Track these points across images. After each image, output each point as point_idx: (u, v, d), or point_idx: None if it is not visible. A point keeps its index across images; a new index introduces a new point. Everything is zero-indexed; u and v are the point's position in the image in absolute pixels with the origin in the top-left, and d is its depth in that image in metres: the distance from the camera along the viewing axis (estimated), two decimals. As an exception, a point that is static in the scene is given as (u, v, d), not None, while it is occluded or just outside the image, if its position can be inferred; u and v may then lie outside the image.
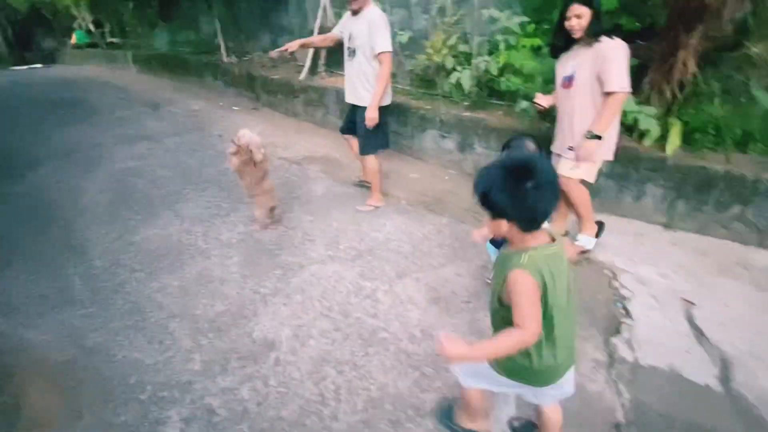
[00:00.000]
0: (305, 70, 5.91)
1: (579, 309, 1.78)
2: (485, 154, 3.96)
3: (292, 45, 3.28)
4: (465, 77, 3.72)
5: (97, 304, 2.40)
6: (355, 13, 3.09)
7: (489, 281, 2.38)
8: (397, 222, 3.24)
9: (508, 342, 1.15)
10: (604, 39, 2.31)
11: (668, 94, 3.08)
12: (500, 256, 1.27)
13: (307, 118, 5.72)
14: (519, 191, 1.10)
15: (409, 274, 2.66)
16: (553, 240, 1.21)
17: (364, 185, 3.79)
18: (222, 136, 5.06)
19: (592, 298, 2.41)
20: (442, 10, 4.52)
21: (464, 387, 1.52)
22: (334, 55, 6.22)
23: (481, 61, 3.74)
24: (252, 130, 3.01)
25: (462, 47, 4.25)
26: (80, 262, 2.75)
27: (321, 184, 3.91)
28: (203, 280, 2.58)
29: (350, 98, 3.36)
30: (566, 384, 1.35)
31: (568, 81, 2.46)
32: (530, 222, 1.15)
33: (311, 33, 5.88)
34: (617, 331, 2.19)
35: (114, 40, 10.55)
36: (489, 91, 4.18)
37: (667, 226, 3.11)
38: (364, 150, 3.41)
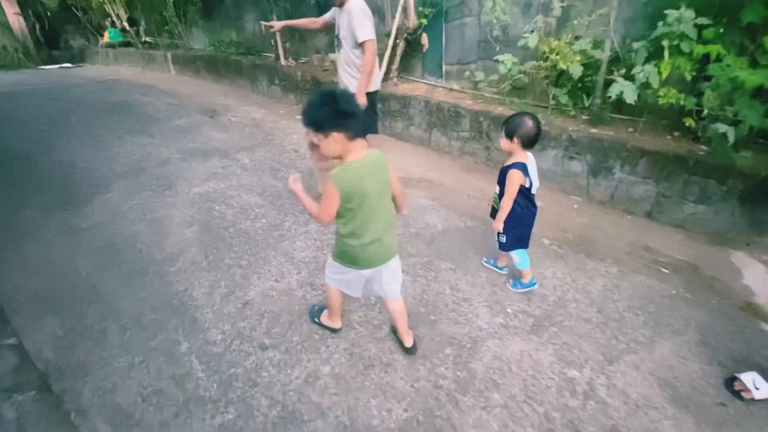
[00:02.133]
0: (380, 74, 5.23)
1: None
2: (629, 181, 3.28)
3: (277, 24, 3.61)
4: (629, 90, 3.02)
5: (235, 406, 1.76)
6: (340, 5, 3.16)
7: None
8: (558, 272, 2.58)
9: (313, 213, 1.64)
10: None
11: None
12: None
13: (385, 131, 5.05)
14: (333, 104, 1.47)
15: (620, 357, 2.00)
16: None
17: None
18: (298, 152, 4.41)
19: None
20: (567, 9, 3.82)
21: (328, 285, 1.96)
22: (411, 60, 5.55)
23: (640, 72, 3.03)
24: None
25: (591, 52, 3.56)
26: (192, 333, 2.11)
27: (436, 215, 3.25)
28: (358, 364, 1.94)
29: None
30: (390, 279, 1.85)
31: None
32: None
33: (387, 35, 5.20)
34: None
35: (148, 39, 9.88)
36: (611, 105, 3.50)
37: None
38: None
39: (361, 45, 3.15)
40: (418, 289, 2.42)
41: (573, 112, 3.88)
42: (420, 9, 4.98)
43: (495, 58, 4.23)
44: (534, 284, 2.43)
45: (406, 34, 5.19)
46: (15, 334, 2.11)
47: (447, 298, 2.37)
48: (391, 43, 5.17)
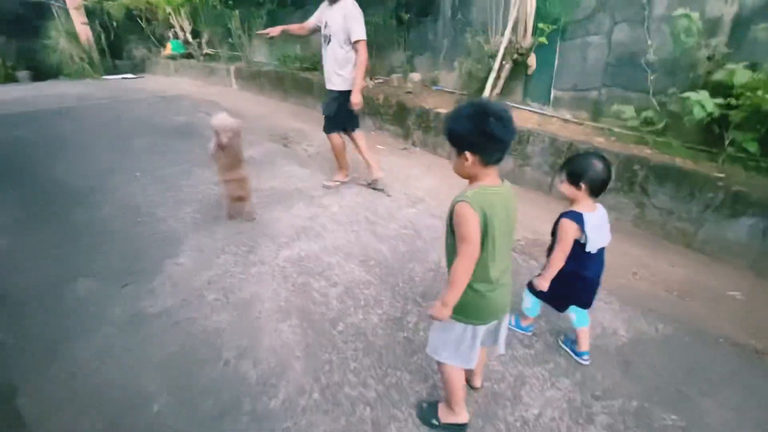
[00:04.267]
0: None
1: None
2: None
3: (275, 30, 3.56)
4: None
5: None
6: (331, 2, 3.25)
7: None
8: None
9: (460, 268, 1.26)
10: None
11: None
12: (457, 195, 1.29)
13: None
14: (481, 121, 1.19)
15: None
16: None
17: (376, 188, 3.73)
18: (392, 198, 3.57)
19: None
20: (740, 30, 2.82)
21: (442, 366, 1.52)
22: (509, 83, 4.63)
23: None
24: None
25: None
26: None
27: (610, 313, 2.31)
28: None
29: (328, 84, 3.49)
30: (505, 330, 1.52)
31: None
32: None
33: (491, 56, 4.30)
34: None
35: (209, 51, 9.46)
36: None
37: None
38: (328, 129, 3.61)
39: (353, 43, 3.21)
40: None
41: (764, 164, 2.86)
42: (540, 25, 4.05)
43: (678, 93, 3.19)
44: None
45: (516, 54, 4.29)
46: None
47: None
48: (497, 65, 4.27)
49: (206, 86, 8.41)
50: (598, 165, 1.68)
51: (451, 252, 1.34)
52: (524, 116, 4.28)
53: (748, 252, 2.71)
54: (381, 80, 5.73)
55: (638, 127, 3.46)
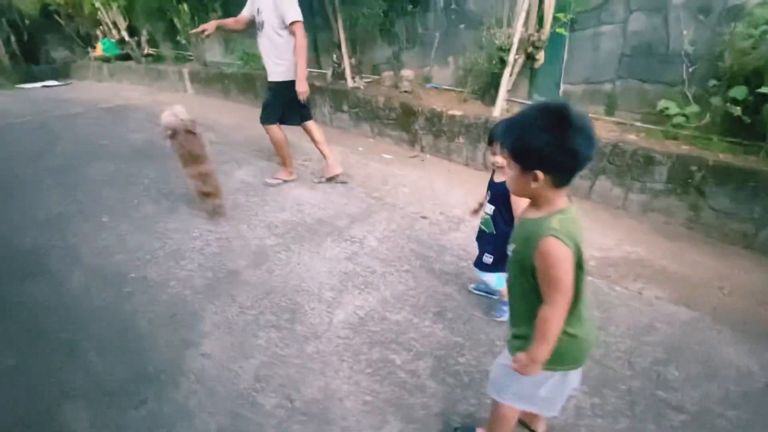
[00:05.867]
0: (499, 97, 3.88)
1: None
2: None
3: (209, 26, 3.36)
4: None
5: None
6: None
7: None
8: None
9: (554, 320, 1.01)
10: None
11: None
12: (526, 224, 1.09)
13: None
14: (563, 132, 0.93)
15: None
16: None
17: (336, 181, 3.58)
18: (429, 220, 3.04)
19: None
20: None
21: (503, 406, 1.31)
22: (524, 74, 4.21)
23: None
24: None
25: None
26: None
27: (715, 339, 1.99)
28: None
29: (269, 76, 3.26)
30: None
31: None
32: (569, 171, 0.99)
33: (503, 50, 3.84)
34: None
35: (152, 51, 8.12)
36: None
37: None
38: (264, 119, 3.35)
39: (288, 27, 3.03)
40: None
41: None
42: (558, 15, 3.65)
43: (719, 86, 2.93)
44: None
45: (531, 47, 3.87)
46: None
47: None
48: (511, 59, 3.83)
49: (155, 93, 7.17)
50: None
51: (526, 294, 1.09)
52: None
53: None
54: (370, 79, 5.09)
55: (680, 123, 3.19)
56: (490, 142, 1.78)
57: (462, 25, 4.64)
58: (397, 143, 4.46)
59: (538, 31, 3.82)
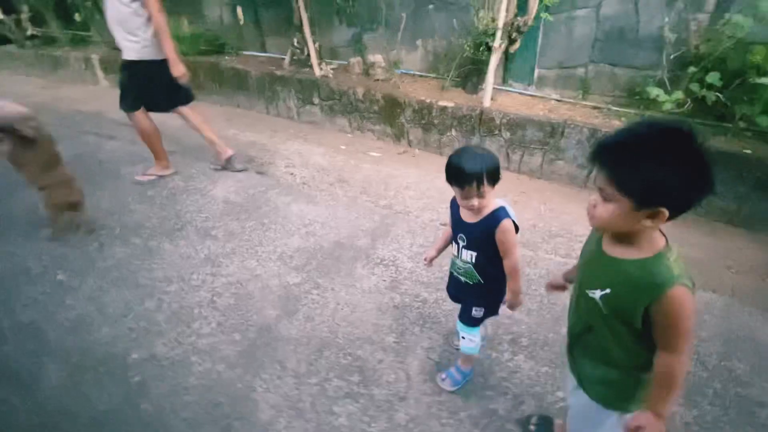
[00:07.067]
0: (487, 86, 3.68)
1: None
2: None
3: None
4: None
5: None
6: None
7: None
8: None
9: (683, 370, 0.93)
10: None
11: None
12: (625, 266, 0.93)
13: (513, 166, 3.65)
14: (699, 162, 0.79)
15: None
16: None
17: (237, 169, 3.34)
18: (446, 225, 2.81)
19: None
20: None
21: None
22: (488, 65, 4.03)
23: None
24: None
25: None
26: None
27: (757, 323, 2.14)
28: None
29: (123, 54, 2.83)
30: None
31: None
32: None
33: (488, 34, 3.62)
34: None
35: (36, 32, 6.38)
36: None
37: None
38: (126, 105, 2.95)
39: None
40: None
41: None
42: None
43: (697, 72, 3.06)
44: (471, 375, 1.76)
45: (515, 33, 3.70)
46: None
47: None
48: (497, 44, 3.63)
49: (56, 86, 5.68)
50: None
51: (621, 339, 0.99)
52: (524, 101, 3.88)
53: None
54: (335, 66, 4.54)
55: (670, 111, 3.31)
56: (466, 183, 1.32)
57: (431, 6, 4.31)
58: (381, 138, 4.08)
59: (516, 15, 3.66)
